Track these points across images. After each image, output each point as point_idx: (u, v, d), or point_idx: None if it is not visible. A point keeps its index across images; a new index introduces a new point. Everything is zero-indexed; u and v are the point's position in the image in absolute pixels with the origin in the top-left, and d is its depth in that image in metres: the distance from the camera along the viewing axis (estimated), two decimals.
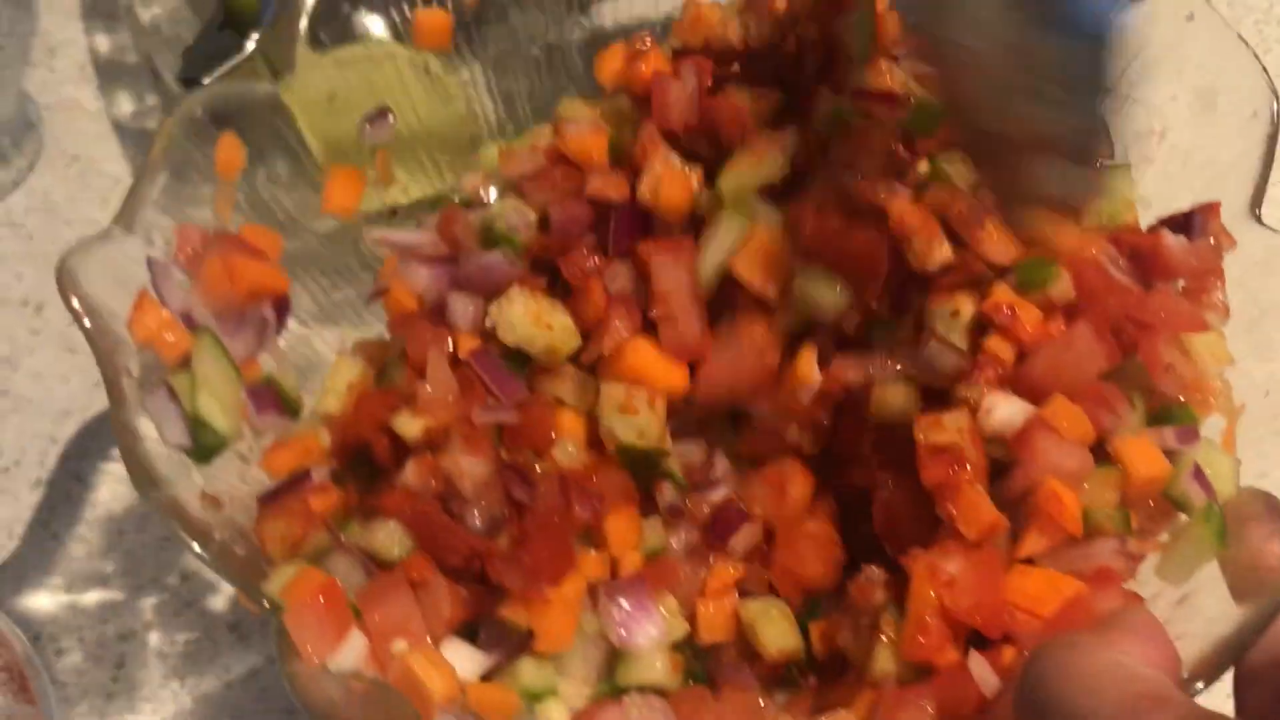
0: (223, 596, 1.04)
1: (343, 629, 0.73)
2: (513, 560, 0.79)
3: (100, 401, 1.11)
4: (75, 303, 0.76)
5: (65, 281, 0.76)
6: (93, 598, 1.04)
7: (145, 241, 0.82)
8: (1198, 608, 0.75)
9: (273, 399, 0.85)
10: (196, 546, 0.72)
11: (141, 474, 0.73)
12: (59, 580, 1.04)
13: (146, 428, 0.76)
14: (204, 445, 0.78)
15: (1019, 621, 0.76)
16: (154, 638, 1.02)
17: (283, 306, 0.88)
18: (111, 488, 1.08)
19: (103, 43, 1.30)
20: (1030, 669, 0.59)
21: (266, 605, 0.72)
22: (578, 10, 1.07)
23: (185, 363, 0.80)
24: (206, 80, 1.04)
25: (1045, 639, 0.71)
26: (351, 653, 0.72)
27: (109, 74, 1.28)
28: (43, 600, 1.04)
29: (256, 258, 0.85)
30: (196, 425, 0.78)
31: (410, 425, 0.82)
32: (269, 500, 0.80)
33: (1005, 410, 0.80)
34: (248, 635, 1.03)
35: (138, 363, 0.78)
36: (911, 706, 0.75)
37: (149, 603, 1.04)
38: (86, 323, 0.76)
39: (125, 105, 1.27)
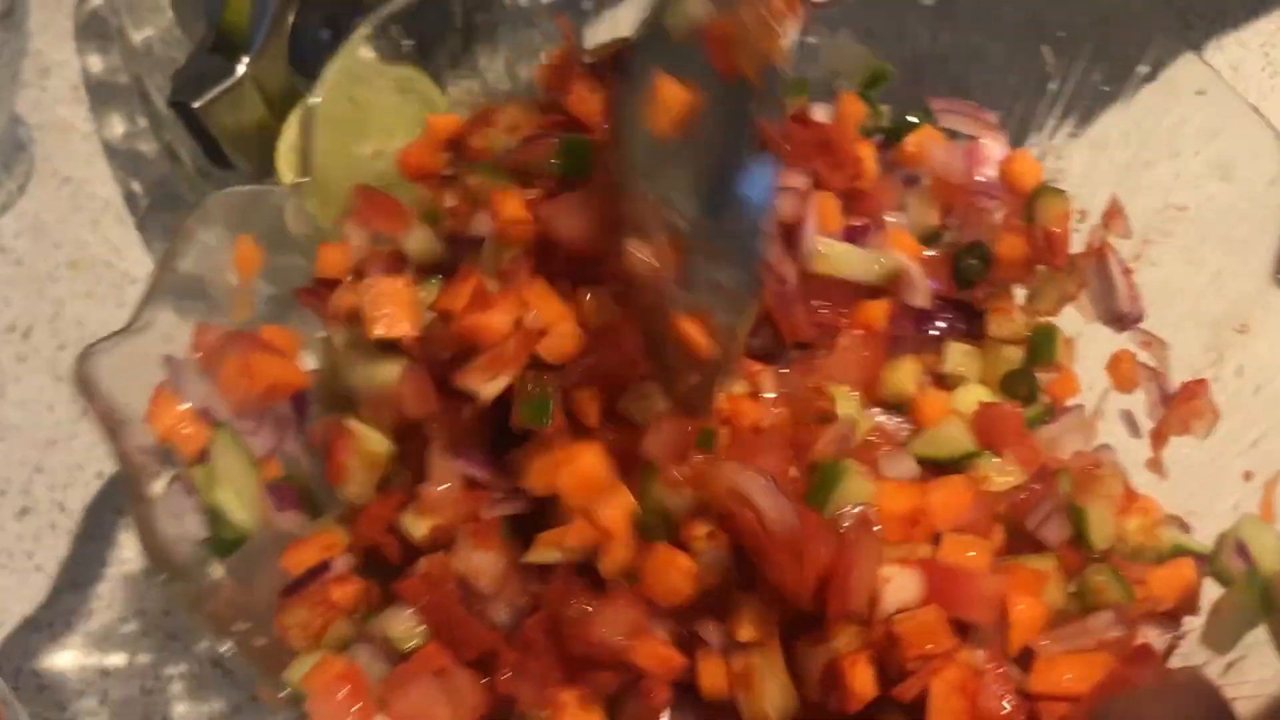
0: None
1: (367, 713, 0.71)
2: (521, 669, 0.77)
3: (87, 429, 1.09)
4: (92, 403, 0.76)
5: (83, 383, 0.76)
6: (78, 629, 1.01)
7: (162, 340, 0.81)
8: (1246, 672, 0.74)
9: (293, 496, 0.84)
10: (218, 637, 0.71)
11: (163, 566, 0.72)
12: (42, 612, 1.02)
13: (166, 521, 0.75)
14: (223, 539, 0.77)
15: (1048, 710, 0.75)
16: (138, 668, 1.00)
17: (302, 403, 0.87)
18: (95, 517, 1.06)
19: (95, 64, 1.29)
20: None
21: (287, 694, 0.71)
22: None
23: (203, 458, 0.79)
24: (196, 104, 1.04)
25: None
26: None
27: (101, 95, 1.27)
28: (23, 630, 1.01)
29: (275, 355, 0.85)
30: (215, 519, 0.77)
31: (417, 526, 0.80)
32: (290, 591, 0.79)
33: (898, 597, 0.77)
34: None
35: (155, 458, 0.77)
36: None
37: (131, 634, 1.02)
38: (104, 423, 0.75)
39: (117, 127, 1.25)
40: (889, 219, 0.97)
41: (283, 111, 1.09)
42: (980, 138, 0.99)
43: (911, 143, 0.98)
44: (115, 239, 1.18)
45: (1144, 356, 0.93)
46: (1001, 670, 0.74)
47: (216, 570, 0.77)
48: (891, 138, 0.99)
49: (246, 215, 0.89)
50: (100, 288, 1.16)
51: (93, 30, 1.29)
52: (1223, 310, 0.89)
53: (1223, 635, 0.77)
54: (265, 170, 1.09)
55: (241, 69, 1.07)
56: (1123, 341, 0.94)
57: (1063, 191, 0.95)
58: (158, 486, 0.76)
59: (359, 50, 0.97)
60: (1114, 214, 0.95)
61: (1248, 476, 0.84)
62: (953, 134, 1.00)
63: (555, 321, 0.80)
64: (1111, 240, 0.94)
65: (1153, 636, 0.79)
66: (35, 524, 1.06)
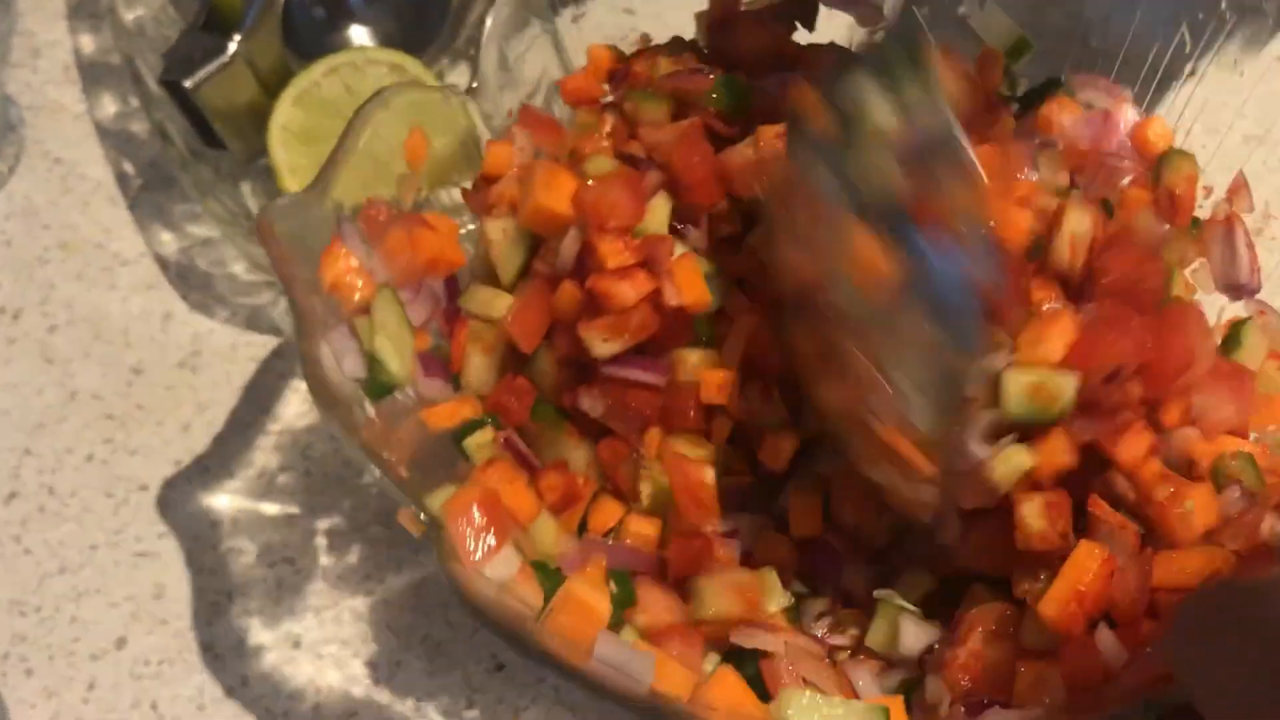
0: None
1: (500, 540, 0.76)
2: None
3: (75, 414, 1.10)
4: (270, 249, 0.82)
5: (263, 232, 0.82)
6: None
7: (335, 209, 0.87)
8: None
9: (440, 367, 0.90)
10: (369, 460, 0.77)
11: (324, 396, 0.78)
12: (30, 599, 1.03)
13: (329, 358, 0.81)
14: (378, 382, 0.83)
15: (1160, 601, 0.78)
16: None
17: (453, 285, 0.93)
18: (83, 498, 1.07)
19: (87, 43, 1.27)
20: (1184, 610, 0.62)
21: (426, 522, 0.76)
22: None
23: (365, 310, 0.85)
24: (187, 83, 1.06)
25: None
26: (505, 565, 0.76)
27: (93, 75, 1.26)
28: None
29: (437, 233, 0.91)
30: (373, 364, 0.83)
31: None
32: None
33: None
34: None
35: (322, 303, 0.83)
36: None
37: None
38: (280, 269, 0.82)
39: (109, 107, 1.25)
40: (1020, 178, 1.01)
41: (276, 90, 1.12)
42: (1114, 109, 1.03)
43: (1046, 109, 1.02)
44: (106, 220, 1.19)
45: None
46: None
47: (368, 409, 0.83)
48: (1027, 104, 1.04)
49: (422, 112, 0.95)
50: (91, 270, 1.17)
51: (84, 9, 1.29)
52: None
53: None
54: (258, 150, 1.12)
55: (233, 47, 1.08)
56: (1236, 310, 0.98)
57: (1191, 154, 0.98)
58: (324, 328, 0.83)
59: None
60: (1238, 188, 0.99)
61: None
62: (1089, 107, 1.04)
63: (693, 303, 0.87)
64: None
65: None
66: (24, 508, 1.07)
